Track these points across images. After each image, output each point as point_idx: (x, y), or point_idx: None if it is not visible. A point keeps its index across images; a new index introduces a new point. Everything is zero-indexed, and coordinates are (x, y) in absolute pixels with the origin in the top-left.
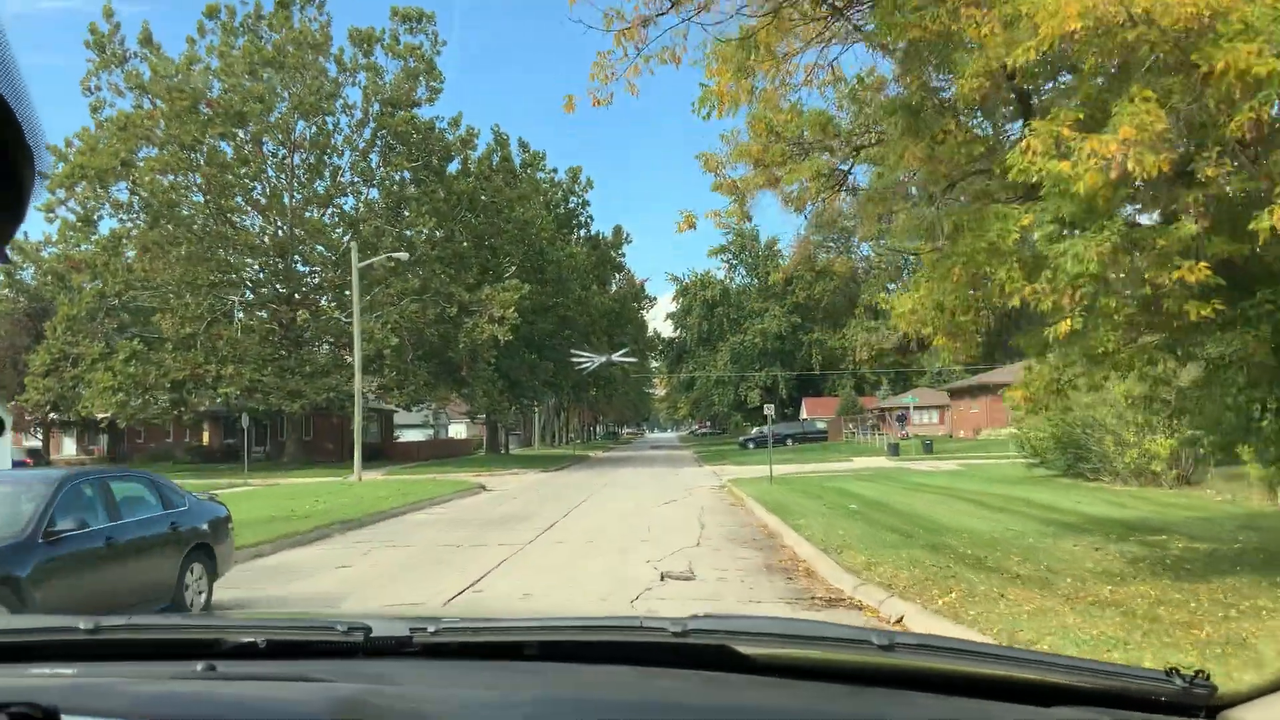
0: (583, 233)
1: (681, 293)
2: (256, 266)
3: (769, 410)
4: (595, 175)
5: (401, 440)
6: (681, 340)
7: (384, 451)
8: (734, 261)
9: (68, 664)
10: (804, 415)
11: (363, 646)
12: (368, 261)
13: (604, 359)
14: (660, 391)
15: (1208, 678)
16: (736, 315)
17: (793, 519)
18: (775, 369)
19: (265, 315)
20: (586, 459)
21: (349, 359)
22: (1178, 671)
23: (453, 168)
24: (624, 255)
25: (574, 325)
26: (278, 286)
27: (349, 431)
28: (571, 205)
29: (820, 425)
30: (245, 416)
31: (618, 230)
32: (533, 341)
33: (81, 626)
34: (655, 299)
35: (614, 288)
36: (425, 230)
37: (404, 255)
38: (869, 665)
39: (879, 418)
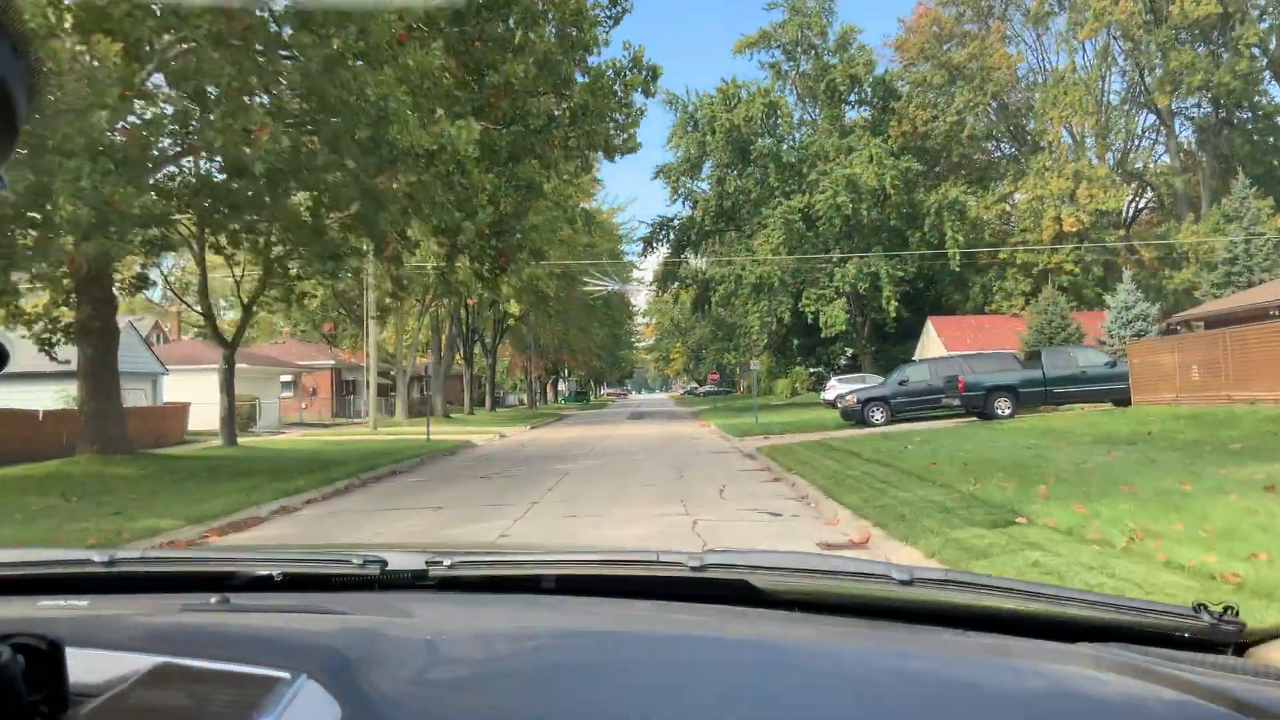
0: None
1: (686, 123)
2: None
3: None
4: None
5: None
6: (684, 221)
7: None
8: (784, 64)
9: (80, 596)
10: (934, 349)
11: (379, 579)
12: None
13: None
14: (647, 339)
15: (1236, 613)
16: (794, 158)
17: None
18: (878, 258)
19: None
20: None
21: None
22: (1205, 607)
23: None
24: None
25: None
26: None
27: None
28: None
29: (1101, 360)
30: None
31: None
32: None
33: (95, 559)
34: (660, 70)
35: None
36: None
37: None
38: (888, 599)
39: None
